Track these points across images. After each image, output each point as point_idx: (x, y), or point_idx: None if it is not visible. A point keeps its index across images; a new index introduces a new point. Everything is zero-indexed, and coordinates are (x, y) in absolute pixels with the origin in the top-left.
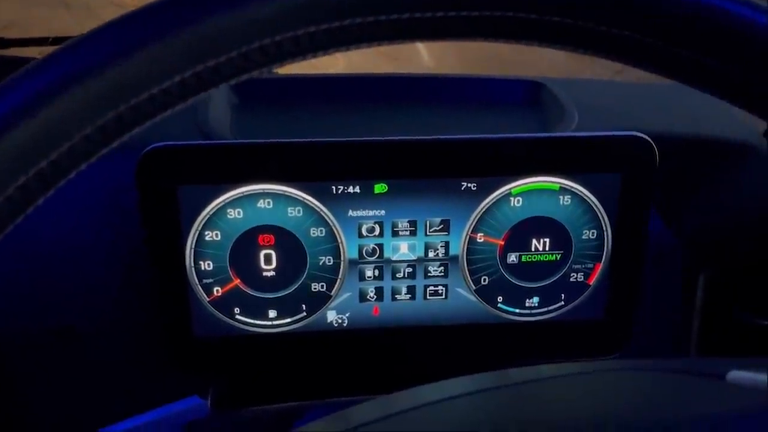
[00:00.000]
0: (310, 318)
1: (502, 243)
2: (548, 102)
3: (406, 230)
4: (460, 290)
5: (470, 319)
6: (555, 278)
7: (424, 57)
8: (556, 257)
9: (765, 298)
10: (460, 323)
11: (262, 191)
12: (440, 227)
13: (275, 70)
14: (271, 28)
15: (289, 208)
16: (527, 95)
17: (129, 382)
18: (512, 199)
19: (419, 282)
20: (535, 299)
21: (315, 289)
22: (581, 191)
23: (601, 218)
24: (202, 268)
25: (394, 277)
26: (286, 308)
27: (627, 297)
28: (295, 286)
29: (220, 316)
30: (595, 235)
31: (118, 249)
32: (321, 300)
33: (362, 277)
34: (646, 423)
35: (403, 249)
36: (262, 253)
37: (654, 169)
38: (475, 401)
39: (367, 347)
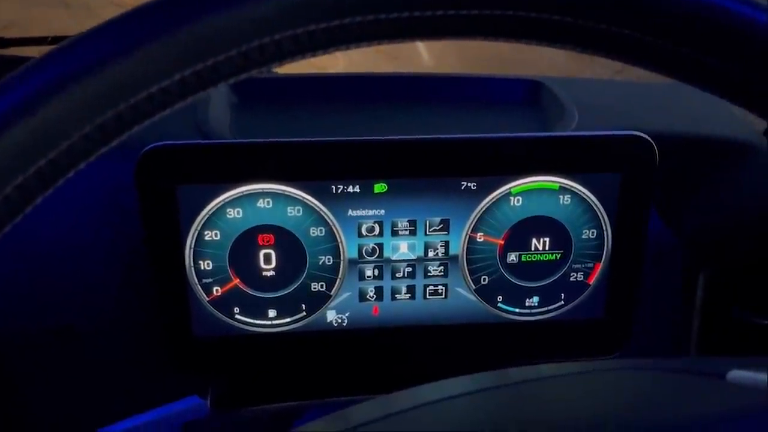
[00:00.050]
0: (310, 318)
1: (502, 242)
2: (548, 101)
3: (406, 230)
4: (459, 290)
5: (470, 318)
6: (555, 278)
7: (424, 56)
8: (556, 257)
9: (765, 298)
10: (459, 323)
11: (261, 191)
12: (440, 227)
13: (275, 70)
14: (271, 27)
15: (288, 208)
16: (527, 94)
17: (128, 382)
18: (512, 198)
19: (419, 281)
20: (535, 299)
21: (315, 288)
22: (581, 191)
23: (600, 218)
24: (202, 268)
25: (393, 277)
26: (285, 308)
27: (627, 296)
28: (295, 286)
29: (220, 315)
30: (595, 234)
31: (117, 248)
32: (321, 299)
33: (362, 277)
34: (646, 423)
35: (402, 248)
36: (262, 252)
37: (654, 168)
38: (474, 401)
39: (367, 347)
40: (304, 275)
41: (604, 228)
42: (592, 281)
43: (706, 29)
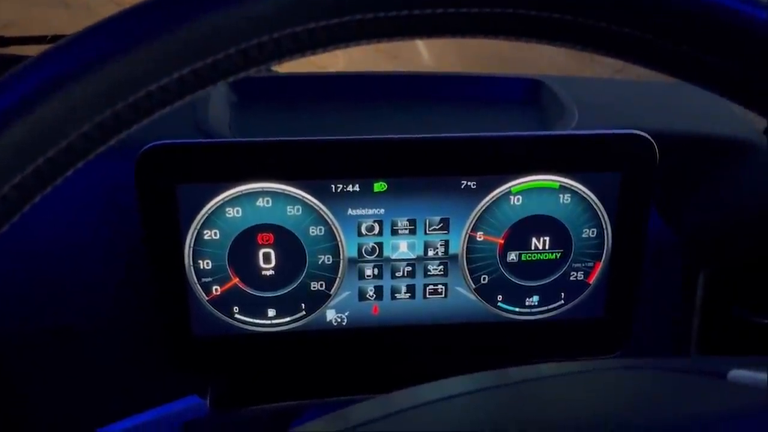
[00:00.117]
0: (310, 317)
1: (502, 242)
2: (548, 100)
3: (406, 229)
4: (459, 289)
5: (470, 318)
6: (555, 277)
7: (424, 55)
8: (556, 256)
9: (765, 297)
10: (459, 322)
11: (261, 190)
12: (440, 226)
13: (274, 68)
14: (270, 25)
15: (288, 207)
16: (527, 93)
17: (128, 382)
18: (512, 197)
19: (419, 281)
20: (535, 298)
21: (314, 287)
22: (581, 189)
23: (601, 216)
24: (201, 267)
25: (393, 276)
26: (285, 307)
27: (627, 295)
28: (295, 285)
29: (219, 315)
30: (595, 233)
31: (116, 248)
32: (320, 299)
33: (361, 276)
34: (647, 422)
35: (402, 248)
36: (261, 251)
37: (654, 167)
38: (474, 400)
39: (367, 346)
40: (304, 274)
41: (604, 227)
42: (592, 280)
43: (706, 27)
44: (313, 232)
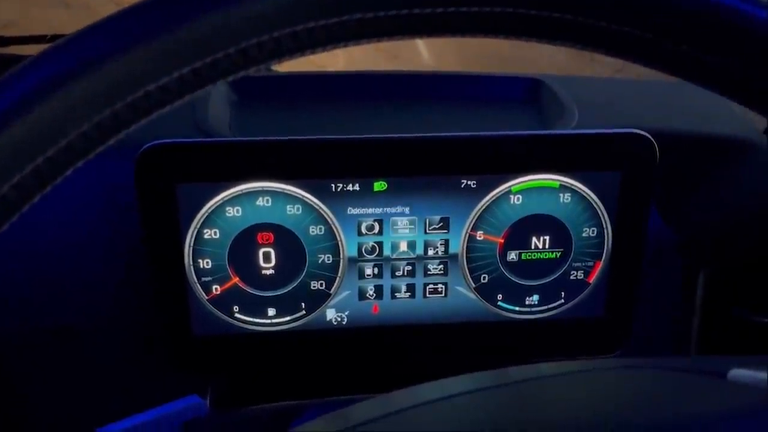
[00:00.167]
0: (310, 316)
1: (502, 241)
2: (548, 99)
3: (406, 228)
4: (459, 288)
5: (470, 317)
6: (555, 276)
7: (424, 55)
8: (556, 255)
9: (765, 296)
10: (459, 321)
11: (261, 189)
12: (440, 225)
13: (274, 68)
14: (270, 24)
15: (288, 206)
16: (527, 92)
17: (128, 381)
18: (512, 196)
19: (419, 280)
20: (535, 297)
21: (314, 287)
22: (581, 189)
23: (601, 216)
24: (201, 267)
25: (393, 276)
26: (285, 306)
27: (627, 295)
28: (295, 285)
29: (219, 314)
30: (595, 232)
31: (116, 247)
32: (320, 298)
33: (362, 275)
34: (647, 422)
35: (402, 247)
36: (261, 251)
37: (654, 166)
38: (474, 400)
39: (367, 346)
40: (304, 274)
41: (604, 226)
42: (592, 280)
43: (706, 26)
44: (313, 232)
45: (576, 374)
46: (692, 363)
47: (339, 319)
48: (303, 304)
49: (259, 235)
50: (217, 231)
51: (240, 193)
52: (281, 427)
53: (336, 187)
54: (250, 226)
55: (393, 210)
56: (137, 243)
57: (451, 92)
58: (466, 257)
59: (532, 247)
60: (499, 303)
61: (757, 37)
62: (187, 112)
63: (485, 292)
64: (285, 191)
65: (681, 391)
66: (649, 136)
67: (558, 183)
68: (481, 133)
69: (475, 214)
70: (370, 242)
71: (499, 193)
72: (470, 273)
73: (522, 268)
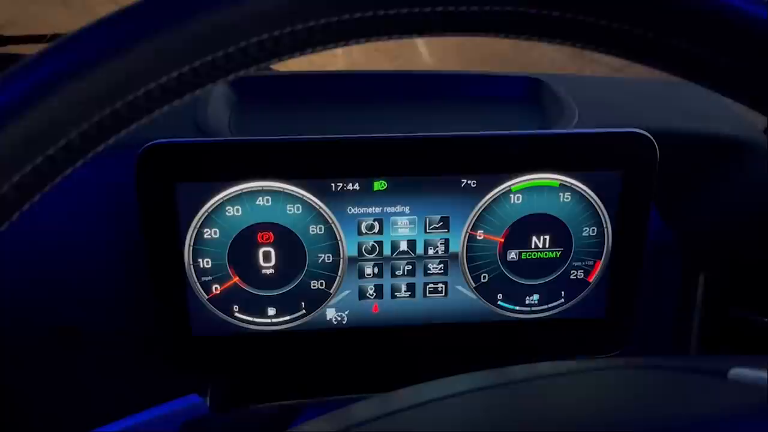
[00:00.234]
0: (310, 316)
1: (502, 240)
2: (548, 99)
3: (406, 227)
4: (459, 288)
5: (470, 316)
6: (555, 276)
7: (424, 55)
8: (556, 255)
9: (765, 296)
10: (459, 321)
11: (260, 188)
12: (440, 224)
13: (274, 67)
14: (270, 23)
15: (288, 206)
16: (527, 92)
17: (127, 381)
18: (512, 196)
19: (419, 279)
20: (535, 297)
21: (314, 286)
22: (581, 188)
23: (601, 215)
24: (201, 266)
25: (393, 275)
26: (285, 306)
27: (627, 294)
28: (295, 284)
29: (219, 314)
30: (596, 232)
31: (116, 247)
32: (320, 298)
33: (362, 275)
34: (647, 421)
35: (402, 246)
36: (261, 250)
37: (655, 166)
38: (473, 399)
39: (367, 345)
40: (304, 273)
41: (604, 226)
42: (592, 279)
43: (708, 25)
44: (313, 231)
45: (576, 374)
46: (692, 362)
47: (339, 319)
48: (303, 303)
49: (259, 234)
50: (217, 230)
51: (240, 192)
52: (281, 427)
53: (336, 187)
54: (250, 225)
55: (393, 209)
56: (137, 242)
57: (451, 92)
58: (466, 257)
59: (532, 246)
60: (499, 302)
61: (759, 35)
62: (187, 112)
63: (485, 291)
64: (285, 191)
65: (681, 390)
66: (650, 136)
67: (558, 182)
68: (482, 132)
69: (475, 213)
70: (370, 242)
71: (499, 193)
72: (470, 272)
73: (522, 267)
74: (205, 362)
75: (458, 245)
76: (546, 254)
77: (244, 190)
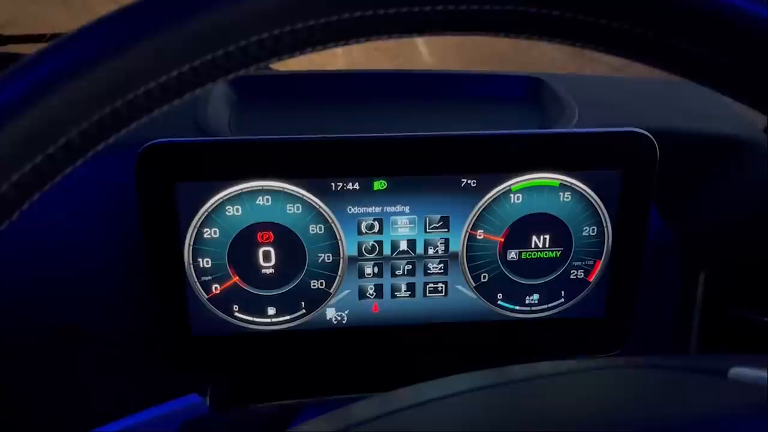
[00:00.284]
0: (310, 315)
1: (502, 240)
2: (548, 98)
3: (406, 227)
4: (459, 287)
5: (470, 316)
6: (555, 275)
7: (424, 55)
8: (556, 254)
9: (765, 296)
10: (459, 321)
11: (260, 188)
12: (440, 224)
13: (273, 67)
14: (270, 22)
15: (287, 205)
16: (527, 91)
17: (127, 380)
18: (512, 195)
19: (419, 279)
20: (535, 296)
21: (314, 286)
22: (581, 188)
23: (601, 215)
24: (201, 266)
25: (393, 275)
26: (285, 305)
27: (627, 294)
28: (294, 284)
29: (219, 313)
30: (596, 231)
31: (116, 246)
32: (320, 297)
33: (361, 275)
34: (647, 420)
35: (402, 246)
36: (261, 250)
37: (655, 165)
38: (473, 399)
39: (367, 345)
40: (304, 273)
41: (604, 225)
42: (592, 279)
43: (708, 25)
44: (312, 231)
45: (575, 373)
46: (692, 362)
47: (339, 319)
48: (303, 303)
49: (259, 234)
50: (217, 230)
51: (240, 192)
52: (281, 426)
53: (336, 186)
54: (249, 225)
55: (393, 209)
56: (137, 242)
57: (452, 91)
58: (466, 256)
59: (532, 246)
60: (499, 302)
61: (759, 34)
62: (188, 111)
63: (485, 291)
64: (285, 190)
65: (681, 390)
66: (650, 135)
67: (558, 182)
68: (482, 132)
69: (475, 213)
70: (370, 241)
71: (499, 192)
72: (470, 272)
73: (522, 267)
74: (205, 362)
75: (458, 245)
76: (546, 254)
77: (244, 190)
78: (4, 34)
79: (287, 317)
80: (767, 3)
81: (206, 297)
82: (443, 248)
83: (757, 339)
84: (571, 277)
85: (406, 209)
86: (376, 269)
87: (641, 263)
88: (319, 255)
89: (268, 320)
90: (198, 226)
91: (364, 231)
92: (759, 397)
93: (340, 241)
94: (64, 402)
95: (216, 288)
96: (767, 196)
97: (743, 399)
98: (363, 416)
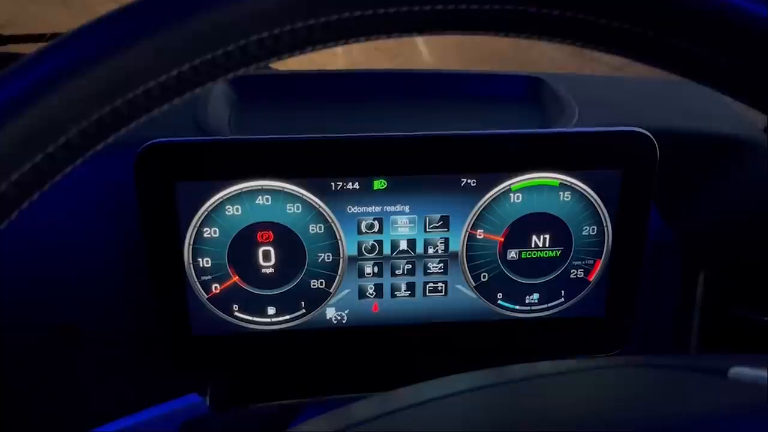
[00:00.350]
0: (309, 315)
1: (502, 239)
2: (548, 98)
3: (406, 227)
4: (459, 287)
5: (470, 316)
6: (555, 275)
7: (424, 55)
8: (556, 254)
9: (765, 295)
10: (459, 320)
11: (260, 188)
12: (440, 224)
13: (273, 66)
14: (269, 22)
15: (287, 205)
16: (527, 91)
17: (127, 380)
18: (512, 195)
19: (419, 279)
20: (535, 296)
21: (314, 285)
22: (581, 187)
23: (601, 214)
24: (201, 266)
25: (393, 274)
26: (285, 305)
27: (627, 294)
28: (294, 283)
29: (219, 313)
30: (596, 231)
31: (116, 246)
32: (320, 297)
33: (361, 274)
34: (647, 420)
35: (402, 245)
36: (261, 250)
37: (655, 164)
38: (473, 398)
39: (367, 344)
40: (304, 272)
41: (604, 225)
42: (592, 278)
43: (708, 24)
44: (312, 230)
45: (575, 373)
46: (692, 361)
47: (339, 318)
48: (303, 302)
49: (259, 233)
50: (217, 230)
51: (239, 191)
52: (281, 426)
53: (336, 186)
54: (249, 224)
55: (393, 208)
56: (137, 241)
57: (451, 91)
58: (466, 256)
59: (532, 245)
60: (499, 302)
61: (758, 34)
62: (187, 111)
63: (485, 290)
64: (285, 190)
65: (681, 389)
66: (650, 135)
67: (558, 181)
68: (482, 131)
69: (475, 212)
70: (369, 241)
71: (499, 192)
72: (470, 271)
73: (522, 266)
74: (204, 362)
75: (458, 244)
76: (546, 253)
77: (243, 189)
78: (4, 34)
79: (287, 317)
80: (767, 3)
81: (206, 297)
82: (443, 248)
83: (757, 339)
84: (571, 276)
85: (406, 209)
86: (375, 269)
87: (641, 263)
88: (319, 254)
89: (268, 320)
90: (198, 225)
91: (363, 230)
92: (759, 397)
93: (339, 241)
94: (63, 402)
95: (216, 288)
96: (767, 196)
97: (743, 399)
98: (363, 416)
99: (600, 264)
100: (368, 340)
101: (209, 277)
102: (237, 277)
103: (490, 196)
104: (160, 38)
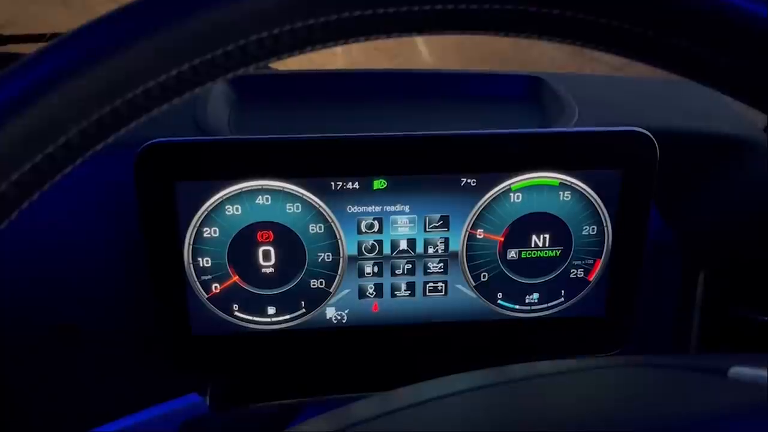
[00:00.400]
0: (309, 315)
1: (502, 239)
2: (548, 97)
3: (406, 226)
4: (459, 287)
5: (470, 315)
6: (555, 274)
7: (424, 54)
8: (556, 253)
9: (765, 295)
10: (459, 320)
11: (260, 187)
12: (440, 223)
13: (273, 66)
14: (269, 22)
15: (287, 205)
16: (527, 91)
17: (127, 380)
18: (512, 194)
19: (419, 278)
20: (535, 295)
21: (314, 285)
22: (581, 187)
23: (601, 214)
24: (201, 265)
25: (393, 274)
26: (285, 305)
27: (627, 293)
28: (294, 283)
29: (219, 313)
30: (596, 231)
31: (116, 246)
32: (320, 296)
33: (361, 274)
34: (647, 419)
35: (402, 245)
36: (261, 249)
37: (655, 164)
38: (473, 398)
39: (366, 344)
40: (304, 272)
41: (604, 224)
42: (592, 278)
43: (708, 24)
44: (312, 230)
45: (575, 372)
46: (692, 361)
47: (339, 318)
48: (303, 302)
49: (259, 233)
50: (217, 229)
51: (239, 191)
52: (280, 426)
53: (336, 186)
54: (249, 224)
55: (393, 208)
56: (137, 241)
57: (451, 90)
58: (466, 255)
59: (532, 245)
60: (499, 301)
61: (758, 34)
62: (187, 111)
63: (485, 290)
64: (284, 189)
65: (681, 389)
66: (650, 135)
67: (558, 181)
68: (481, 131)
69: (475, 212)
70: (369, 240)
71: (499, 191)
72: (470, 271)
73: (522, 266)
74: (204, 361)
75: (458, 244)
76: (546, 253)
77: (243, 189)
78: (4, 34)
79: (287, 316)
80: (767, 2)
81: (206, 296)
82: (443, 247)
83: (757, 339)
84: (571, 276)
85: (406, 208)
86: (375, 268)
87: (641, 263)
88: (319, 254)
89: (268, 320)
90: (198, 225)
91: (363, 230)
92: (759, 397)
93: (339, 241)
94: (63, 401)
95: (216, 287)
96: (767, 196)
97: (743, 399)
98: (363, 416)
99: (600, 264)
100: (368, 340)
101: (209, 276)
102: (237, 276)
103: (490, 196)
104: (159, 38)
